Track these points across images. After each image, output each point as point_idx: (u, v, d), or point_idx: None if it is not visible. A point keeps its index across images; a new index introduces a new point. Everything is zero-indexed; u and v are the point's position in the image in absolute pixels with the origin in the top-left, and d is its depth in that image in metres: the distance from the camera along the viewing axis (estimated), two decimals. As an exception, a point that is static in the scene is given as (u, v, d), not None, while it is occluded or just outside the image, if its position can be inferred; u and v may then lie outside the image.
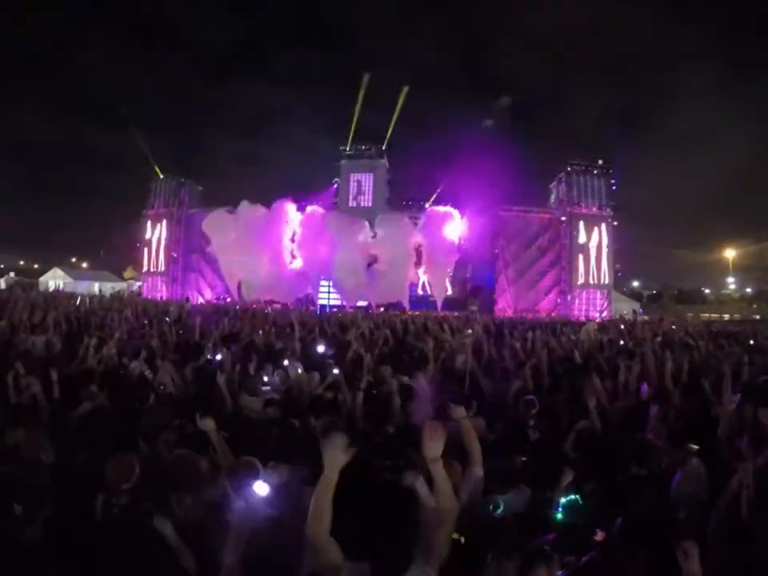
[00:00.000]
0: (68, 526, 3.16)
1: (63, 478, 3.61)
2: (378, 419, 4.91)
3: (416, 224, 32.74)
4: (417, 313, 22.95)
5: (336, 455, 2.53)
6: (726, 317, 23.64)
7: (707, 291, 69.56)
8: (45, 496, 3.13)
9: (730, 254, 51.58)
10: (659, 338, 12.27)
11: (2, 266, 62.53)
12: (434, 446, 2.78)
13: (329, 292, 33.81)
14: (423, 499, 2.89)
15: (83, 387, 5.42)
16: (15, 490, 3.16)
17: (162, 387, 5.94)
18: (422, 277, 33.02)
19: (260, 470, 3.28)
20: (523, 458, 4.44)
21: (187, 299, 28.97)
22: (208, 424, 3.79)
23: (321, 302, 33.24)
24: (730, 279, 55.79)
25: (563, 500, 3.68)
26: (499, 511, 3.49)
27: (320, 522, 2.50)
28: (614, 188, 38.42)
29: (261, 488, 3.08)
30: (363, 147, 39.22)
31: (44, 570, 2.81)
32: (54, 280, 54.41)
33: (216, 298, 35.49)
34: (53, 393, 5.27)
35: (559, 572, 2.85)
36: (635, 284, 64.89)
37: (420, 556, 2.70)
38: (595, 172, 38.10)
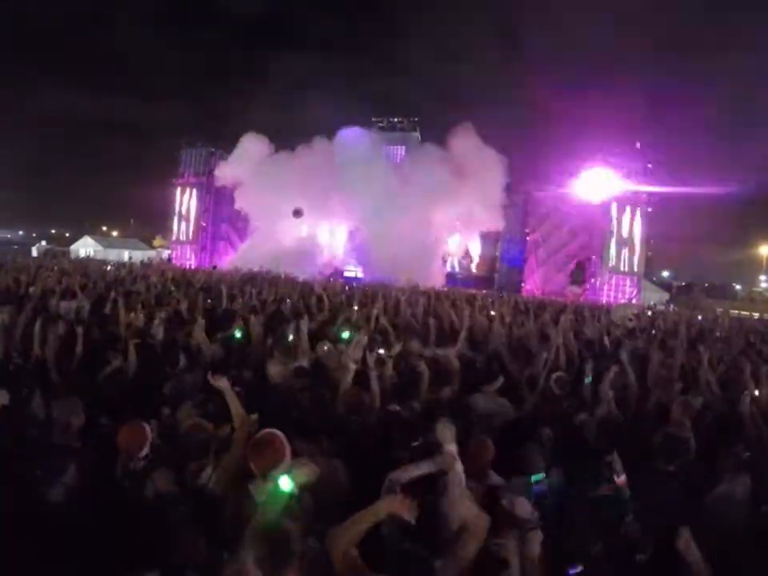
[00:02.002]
0: (90, 489, 3.11)
1: (89, 440, 3.58)
2: (405, 394, 4.78)
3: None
4: (442, 290, 22.60)
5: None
6: (756, 315, 22.92)
7: (738, 287, 68.26)
8: (69, 459, 3.09)
9: (765, 250, 50.31)
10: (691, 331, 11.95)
11: (34, 235, 63.63)
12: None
13: (356, 263, 33.90)
14: (453, 481, 2.80)
15: (110, 350, 5.42)
16: (40, 453, 3.13)
17: (196, 348, 5.92)
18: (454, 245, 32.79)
19: (285, 450, 3.13)
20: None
21: (215, 266, 29.12)
22: (222, 382, 3.63)
23: (347, 273, 33.28)
24: (763, 277, 54.50)
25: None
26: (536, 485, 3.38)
27: (348, 541, 2.46)
28: (650, 173, 37.40)
29: (286, 484, 2.85)
30: (396, 120, 38.78)
31: (66, 530, 2.76)
32: (85, 248, 55.29)
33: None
34: (80, 355, 5.27)
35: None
36: (665, 274, 63.74)
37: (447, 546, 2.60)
38: (632, 155, 37.07)
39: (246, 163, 34.46)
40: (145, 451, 3.34)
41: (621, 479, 3.46)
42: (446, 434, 3.02)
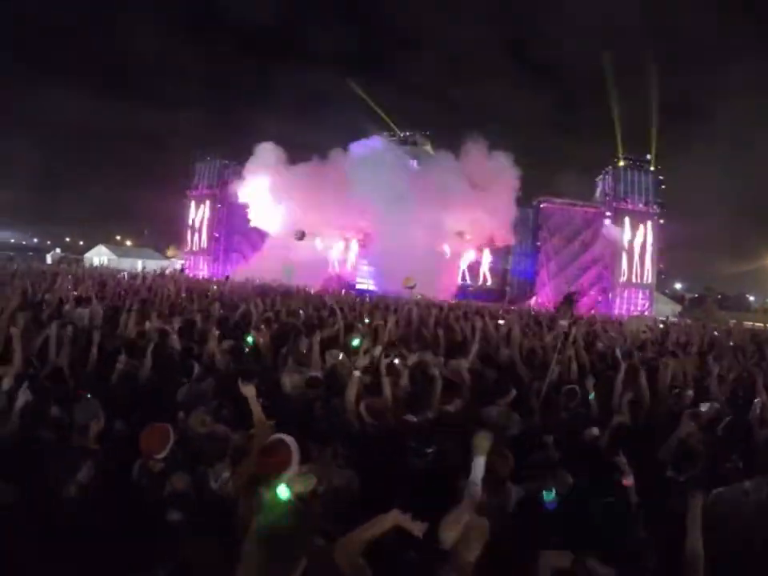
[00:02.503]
0: (107, 488, 3.18)
1: (107, 443, 3.65)
2: (418, 404, 4.80)
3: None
4: (453, 302, 22.60)
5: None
6: None
7: (752, 299, 67.57)
8: (84, 459, 3.15)
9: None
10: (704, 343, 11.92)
11: (49, 242, 64.31)
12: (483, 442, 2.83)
13: (368, 276, 33.99)
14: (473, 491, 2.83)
15: (124, 357, 5.49)
16: (59, 454, 3.20)
17: (210, 358, 5.99)
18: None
19: (292, 457, 3.18)
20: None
21: (227, 277, 29.31)
22: (249, 390, 3.70)
23: (359, 286, 33.34)
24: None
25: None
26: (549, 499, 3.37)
27: (355, 550, 2.48)
28: (662, 186, 37.31)
29: (283, 492, 2.88)
30: (407, 133, 38.98)
31: (81, 528, 2.81)
32: (99, 257, 55.69)
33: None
34: (95, 361, 5.36)
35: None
36: (678, 286, 63.26)
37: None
38: (643, 167, 37.03)
39: (262, 172, 34.69)
40: (164, 453, 3.41)
41: (628, 480, 3.48)
42: (483, 445, 3.10)
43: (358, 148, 33.54)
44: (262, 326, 7.68)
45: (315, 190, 31.16)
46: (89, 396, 4.12)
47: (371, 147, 33.14)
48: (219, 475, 3.40)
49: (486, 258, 35.76)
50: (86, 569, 2.55)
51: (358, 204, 30.78)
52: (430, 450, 3.66)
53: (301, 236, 32.73)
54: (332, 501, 3.20)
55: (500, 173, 31.49)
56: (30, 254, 55.43)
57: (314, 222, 32.35)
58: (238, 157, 39.70)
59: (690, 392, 6.12)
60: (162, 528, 2.95)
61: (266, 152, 34.79)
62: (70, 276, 16.74)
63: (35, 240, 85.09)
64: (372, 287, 33.04)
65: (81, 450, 3.30)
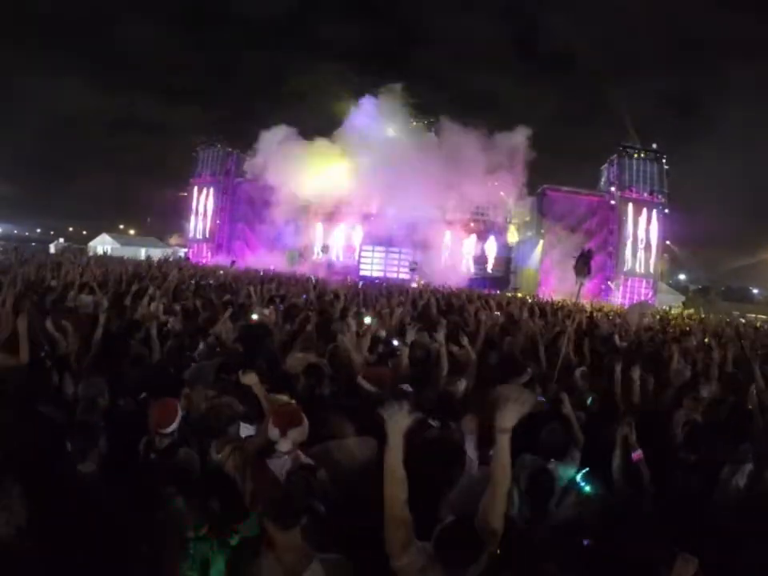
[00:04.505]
0: (118, 464, 3.22)
1: (115, 419, 3.71)
2: (421, 384, 4.86)
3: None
4: (457, 289, 22.63)
5: (397, 421, 2.52)
6: None
7: (755, 291, 67.32)
8: (97, 436, 3.19)
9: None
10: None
11: (52, 232, 64.30)
12: (507, 416, 2.66)
13: (371, 262, 34.05)
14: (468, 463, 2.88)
15: (130, 338, 5.55)
16: (69, 430, 3.23)
17: (216, 337, 6.06)
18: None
19: (303, 417, 3.36)
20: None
21: (233, 262, 29.34)
22: (251, 378, 3.74)
23: (363, 272, 33.45)
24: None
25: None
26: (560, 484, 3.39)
27: (399, 490, 2.48)
28: (667, 175, 37.11)
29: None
30: (411, 121, 38.73)
31: (96, 503, 2.85)
32: (103, 245, 55.64)
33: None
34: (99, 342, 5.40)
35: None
36: (682, 277, 63.06)
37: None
38: (649, 156, 36.82)
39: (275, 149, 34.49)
40: (172, 428, 3.45)
41: (637, 453, 3.51)
42: (470, 426, 3.21)
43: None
44: (271, 306, 7.82)
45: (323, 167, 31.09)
46: (91, 373, 4.19)
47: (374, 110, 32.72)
48: (223, 447, 3.43)
49: (491, 246, 35.65)
50: (95, 545, 2.60)
51: (365, 182, 30.77)
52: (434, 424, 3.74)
53: (326, 250, 33.23)
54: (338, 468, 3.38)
55: (503, 162, 31.24)
56: (33, 244, 55.45)
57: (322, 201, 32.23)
58: (241, 144, 39.70)
59: (689, 373, 6.24)
60: (167, 503, 2.98)
61: (277, 131, 34.38)
62: (74, 264, 16.79)
63: (38, 231, 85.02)
64: (376, 273, 33.14)
65: (90, 425, 3.32)
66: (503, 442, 2.66)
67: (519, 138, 31.35)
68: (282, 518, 2.46)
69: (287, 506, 2.52)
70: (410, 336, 5.80)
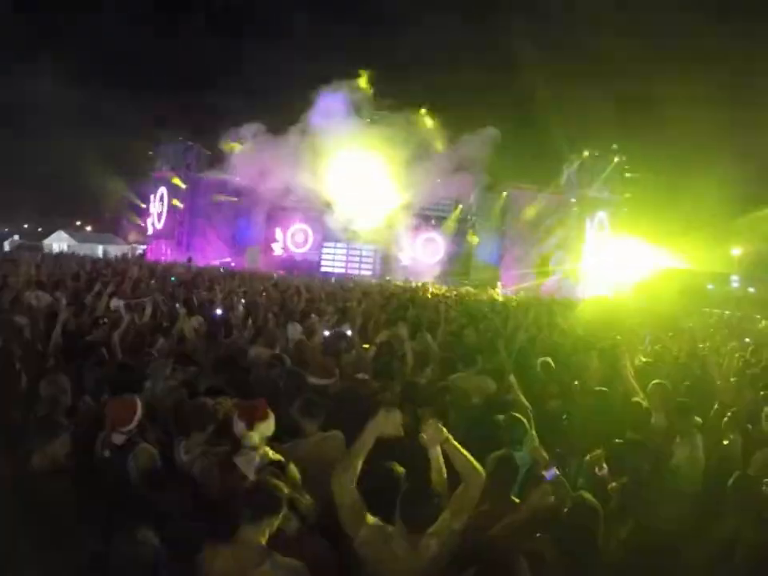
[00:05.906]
0: (74, 460, 3.22)
1: (77, 417, 3.69)
2: (386, 376, 4.97)
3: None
4: (420, 283, 22.97)
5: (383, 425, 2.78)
6: (728, 313, 24.13)
7: (710, 287, 69.49)
8: (55, 431, 3.18)
9: (735, 252, 51.37)
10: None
11: (6, 229, 62.20)
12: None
13: (333, 259, 34.02)
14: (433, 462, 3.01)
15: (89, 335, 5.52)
16: (27, 426, 3.23)
17: (178, 333, 6.08)
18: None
19: (269, 412, 3.39)
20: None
21: (190, 259, 28.91)
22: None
23: (324, 269, 33.37)
24: (734, 277, 55.84)
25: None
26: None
27: (348, 476, 2.71)
28: (627, 174, 37.98)
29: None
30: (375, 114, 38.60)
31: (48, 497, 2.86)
32: (59, 242, 54.28)
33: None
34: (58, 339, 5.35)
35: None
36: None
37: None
38: (608, 157, 37.56)
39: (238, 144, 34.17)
40: (131, 426, 3.41)
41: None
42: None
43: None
44: (234, 301, 7.90)
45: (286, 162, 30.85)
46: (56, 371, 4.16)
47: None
48: (191, 448, 3.44)
49: (454, 241, 35.77)
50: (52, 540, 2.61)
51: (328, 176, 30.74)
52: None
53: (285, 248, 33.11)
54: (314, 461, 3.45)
55: (466, 157, 31.49)
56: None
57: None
58: (202, 138, 39.05)
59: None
60: (127, 503, 2.97)
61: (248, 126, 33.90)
62: (29, 262, 16.40)
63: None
64: (336, 270, 33.11)
65: (51, 421, 3.30)
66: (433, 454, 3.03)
67: (482, 136, 31.63)
68: (251, 509, 2.56)
69: (256, 498, 2.60)
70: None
